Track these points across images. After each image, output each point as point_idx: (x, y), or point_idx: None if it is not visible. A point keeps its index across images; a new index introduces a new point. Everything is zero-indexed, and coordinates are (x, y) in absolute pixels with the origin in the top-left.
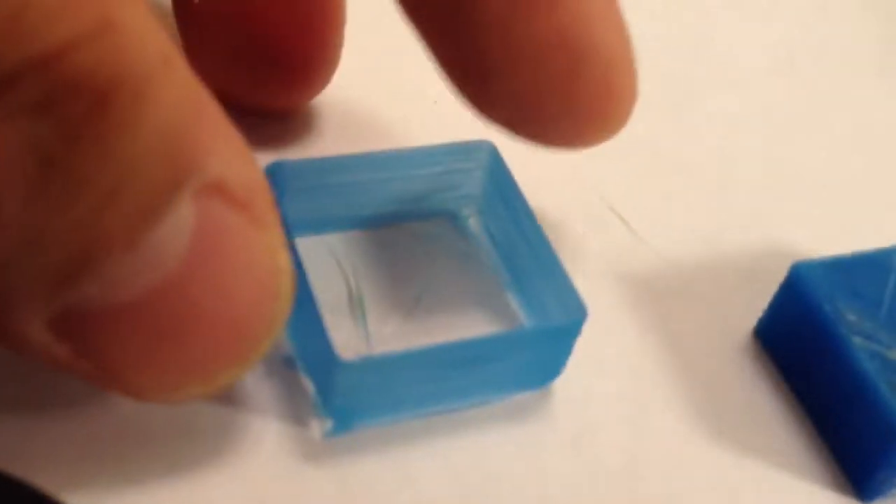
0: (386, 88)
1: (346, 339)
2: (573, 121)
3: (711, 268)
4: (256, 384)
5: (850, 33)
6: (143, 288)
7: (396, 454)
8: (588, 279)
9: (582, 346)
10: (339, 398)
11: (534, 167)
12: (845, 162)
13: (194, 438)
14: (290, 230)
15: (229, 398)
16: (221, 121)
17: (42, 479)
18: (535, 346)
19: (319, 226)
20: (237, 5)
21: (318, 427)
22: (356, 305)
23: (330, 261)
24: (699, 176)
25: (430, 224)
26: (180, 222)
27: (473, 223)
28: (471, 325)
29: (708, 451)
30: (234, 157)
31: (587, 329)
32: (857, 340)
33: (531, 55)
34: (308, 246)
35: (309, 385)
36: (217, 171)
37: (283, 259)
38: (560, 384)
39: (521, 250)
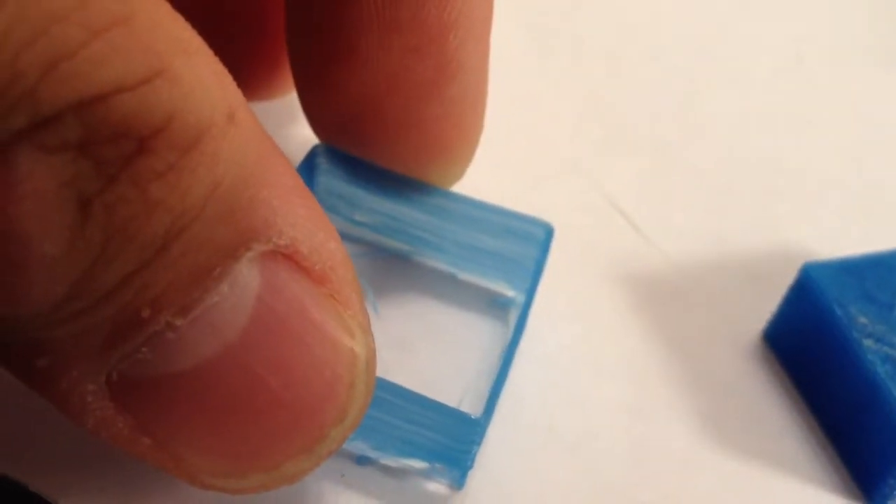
0: None
1: None
2: (412, 135)
3: (719, 269)
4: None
5: (858, 32)
6: (200, 357)
7: None
8: (592, 280)
9: (585, 347)
10: (473, 450)
11: (537, 165)
12: (855, 161)
13: None
14: None
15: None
16: (297, 186)
17: (39, 482)
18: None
19: None
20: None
21: (448, 485)
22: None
23: None
24: (706, 175)
25: None
26: (241, 288)
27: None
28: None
29: (714, 456)
30: (309, 226)
31: (590, 331)
32: (868, 343)
33: (399, 48)
34: None
35: (410, 463)
36: (288, 237)
37: (362, 343)
38: (561, 388)
39: (420, 220)
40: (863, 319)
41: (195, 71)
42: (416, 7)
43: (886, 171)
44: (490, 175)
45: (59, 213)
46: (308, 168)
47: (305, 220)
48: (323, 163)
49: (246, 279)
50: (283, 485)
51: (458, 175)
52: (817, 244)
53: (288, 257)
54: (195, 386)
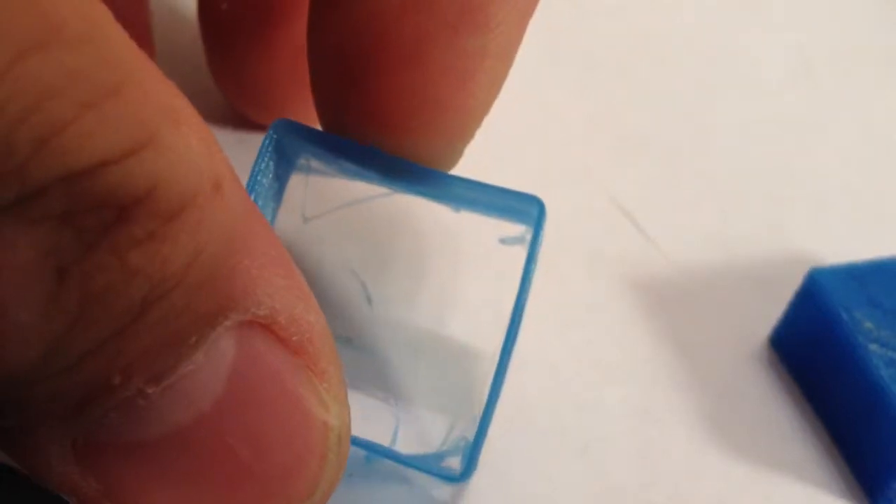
0: None
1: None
2: (408, 79)
3: (726, 274)
4: None
5: (868, 40)
6: (171, 425)
7: None
8: (601, 285)
9: (593, 352)
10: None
11: (546, 171)
12: (862, 168)
13: None
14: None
15: None
16: (280, 257)
17: None
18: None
19: None
20: (264, 11)
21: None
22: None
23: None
24: (714, 182)
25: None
26: (217, 358)
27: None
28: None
29: (720, 459)
30: (289, 297)
31: (598, 335)
32: (873, 348)
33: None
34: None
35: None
36: (267, 307)
37: (336, 416)
38: (569, 391)
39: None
40: (868, 324)
41: (183, 140)
42: None
43: (893, 177)
44: (499, 180)
45: (37, 282)
46: (276, 141)
47: (285, 291)
48: (291, 133)
49: (222, 348)
50: None
51: (448, 155)
52: (824, 250)
53: (266, 328)
54: (163, 454)
